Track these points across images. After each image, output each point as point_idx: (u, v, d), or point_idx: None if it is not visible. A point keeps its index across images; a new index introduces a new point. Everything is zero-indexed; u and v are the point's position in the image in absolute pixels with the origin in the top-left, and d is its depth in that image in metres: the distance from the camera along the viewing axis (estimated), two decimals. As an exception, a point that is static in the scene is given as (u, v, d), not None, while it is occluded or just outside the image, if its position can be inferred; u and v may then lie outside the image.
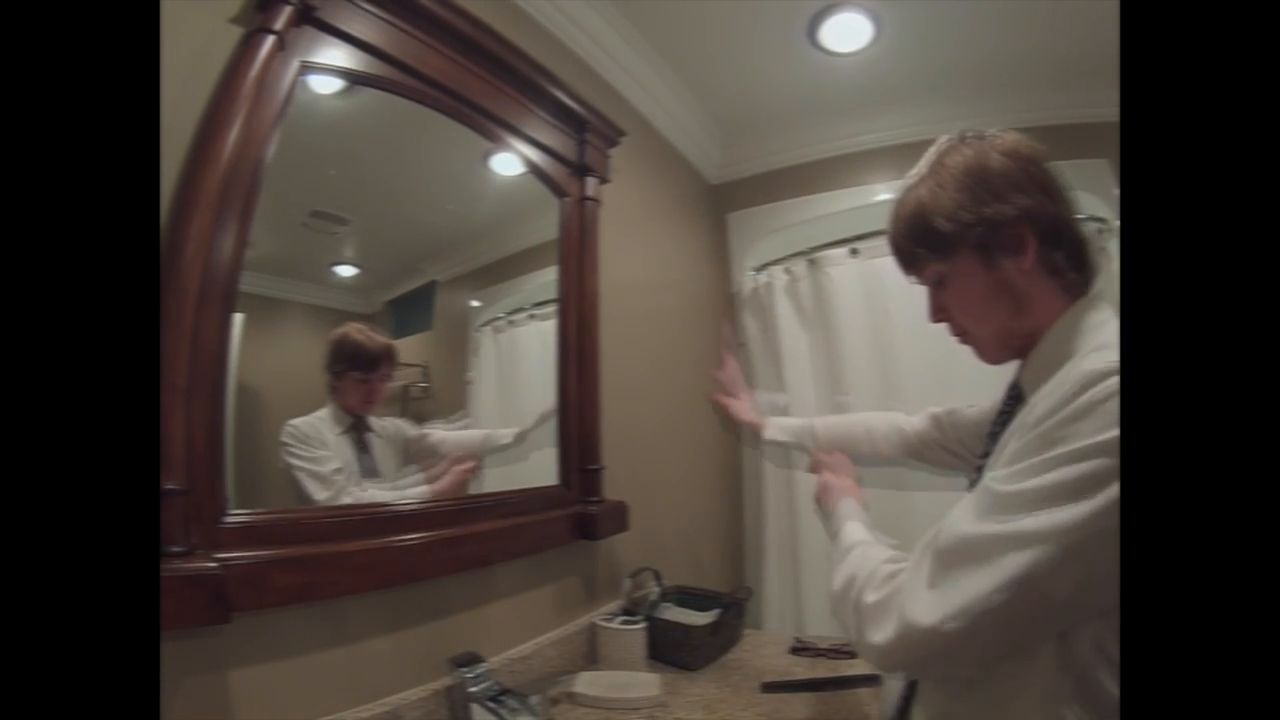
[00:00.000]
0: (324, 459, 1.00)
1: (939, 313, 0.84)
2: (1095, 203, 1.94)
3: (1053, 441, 0.56)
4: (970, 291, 0.78)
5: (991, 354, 0.81)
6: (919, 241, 0.79)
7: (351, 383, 1.09)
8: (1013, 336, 0.77)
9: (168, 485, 0.67)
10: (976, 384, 0.99)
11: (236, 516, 0.78)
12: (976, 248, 0.74)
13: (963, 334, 0.83)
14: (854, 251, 2.07)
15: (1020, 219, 0.72)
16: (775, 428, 1.43)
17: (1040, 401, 0.61)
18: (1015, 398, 0.78)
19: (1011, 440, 0.63)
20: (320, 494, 0.97)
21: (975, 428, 1.02)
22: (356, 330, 1.10)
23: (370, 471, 1.09)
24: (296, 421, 0.98)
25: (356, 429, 1.08)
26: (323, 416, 1.04)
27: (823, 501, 1.00)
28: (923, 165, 0.80)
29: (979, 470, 0.76)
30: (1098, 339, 0.67)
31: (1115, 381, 0.54)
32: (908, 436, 1.20)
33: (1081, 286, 0.75)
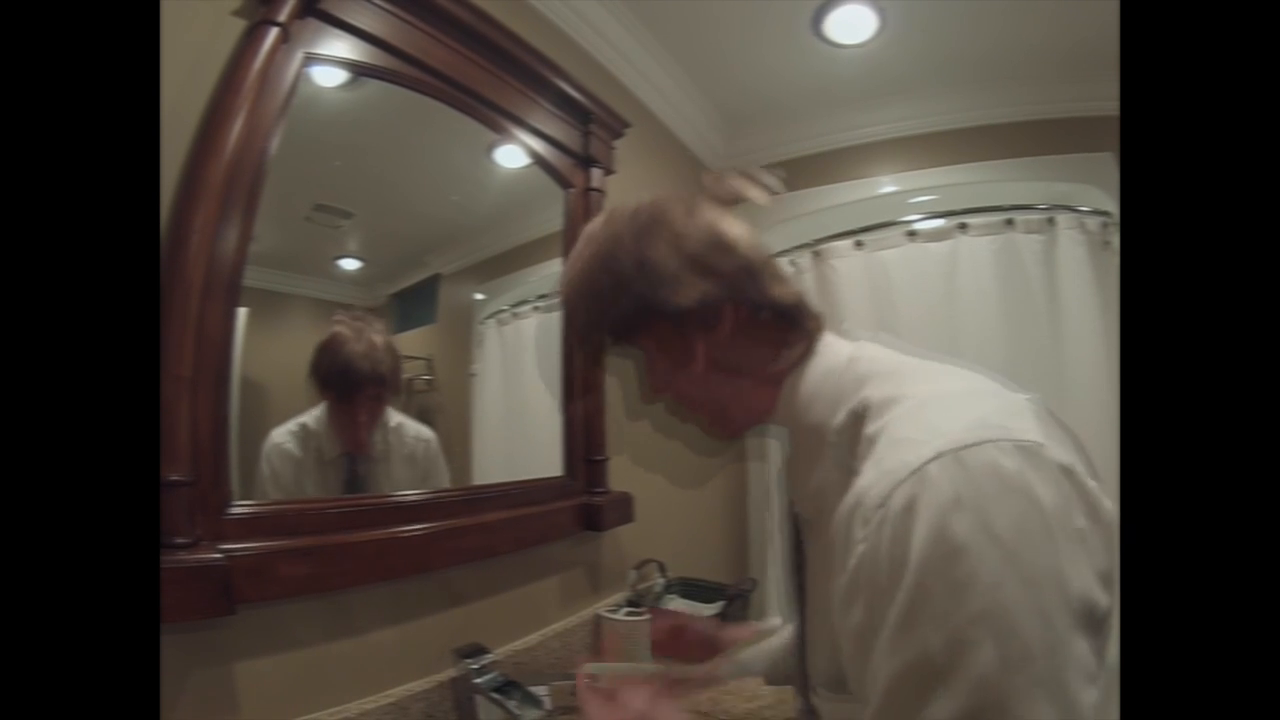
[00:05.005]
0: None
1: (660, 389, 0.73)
2: (1101, 197, 1.93)
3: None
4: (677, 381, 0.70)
5: (726, 431, 0.74)
6: (593, 323, 0.69)
7: (331, 406, 0.93)
8: (736, 420, 0.71)
9: (172, 476, 0.67)
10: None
11: (241, 508, 0.78)
12: (669, 319, 0.64)
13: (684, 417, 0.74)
14: (859, 244, 2.06)
15: (710, 296, 0.62)
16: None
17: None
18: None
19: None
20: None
21: None
22: (345, 332, 0.94)
23: None
24: (274, 438, 0.90)
25: (351, 456, 0.98)
26: (310, 428, 0.93)
27: None
28: (589, 232, 0.69)
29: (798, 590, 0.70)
30: (834, 394, 0.60)
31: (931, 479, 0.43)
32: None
33: (800, 347, 0.66)
